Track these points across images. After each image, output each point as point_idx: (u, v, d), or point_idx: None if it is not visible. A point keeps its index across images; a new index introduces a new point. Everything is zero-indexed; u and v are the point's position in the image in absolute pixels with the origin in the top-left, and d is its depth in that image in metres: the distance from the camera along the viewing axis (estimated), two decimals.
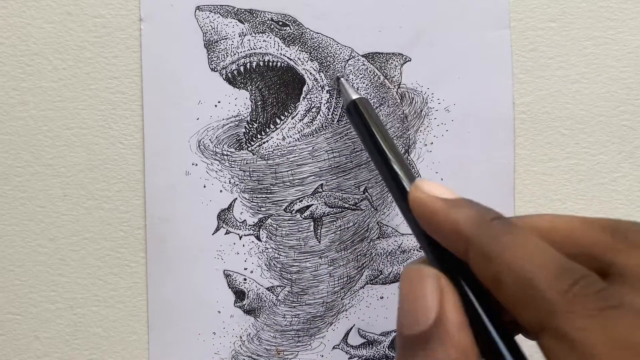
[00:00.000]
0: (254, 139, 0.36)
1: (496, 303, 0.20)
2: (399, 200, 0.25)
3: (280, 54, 0.36)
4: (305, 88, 0.36)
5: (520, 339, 0.20)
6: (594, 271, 0.18)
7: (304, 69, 0.36)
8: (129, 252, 0.36)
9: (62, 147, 0.36)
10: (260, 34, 0.36)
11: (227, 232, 0.36)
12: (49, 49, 0.35)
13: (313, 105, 0.36)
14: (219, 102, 0.36)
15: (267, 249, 0.36)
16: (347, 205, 0.36)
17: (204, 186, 0.36)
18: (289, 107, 0.36)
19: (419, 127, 0.37)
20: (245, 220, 0.36)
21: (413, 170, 0.36)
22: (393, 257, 0.36)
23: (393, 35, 0.36)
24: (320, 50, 0.36)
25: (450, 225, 0.20)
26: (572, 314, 0.16)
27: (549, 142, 0.37)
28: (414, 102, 0.36)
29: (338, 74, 0.36)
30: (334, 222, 0.36)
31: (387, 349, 0.36)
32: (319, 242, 0.36)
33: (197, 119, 0.36)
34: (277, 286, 0.36)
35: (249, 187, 0.36)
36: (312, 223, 0.36)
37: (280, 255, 0.36)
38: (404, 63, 0.36)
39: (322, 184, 0.36)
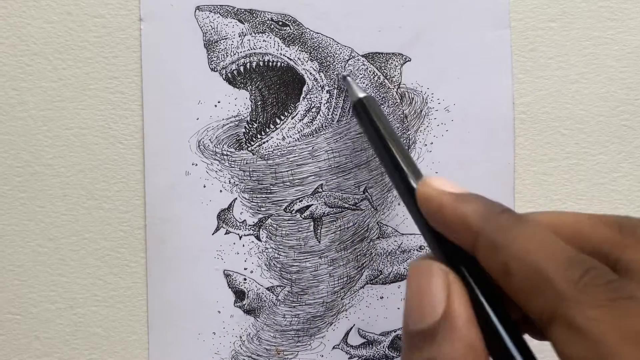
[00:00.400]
0: (254, 139, 0.36)
1: (504, 300, 0.20)
2: (405, 197, 0.25)
3: (280, 54, 0.36)
4: (305, 88, 0.36)
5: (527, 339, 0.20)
6: (604, 266, 0.18)
7: (304, 69, 0.36)
8: (128, 252, 0.36)
9: (61, 147, 0.36)
10: (260, 34, 0.36)
11: (227, 232, 0.36)
12: (49, 49, 0.35)
13: (313, 105, 0.36)
14: (218, 102, 0.36)
15: (267, 249, 0.36)
16: (347, 205, 0.36)
17: (204, 186, 0.36)
18: (288, 107, 0.36)
19: (419, 127, 0.37)
20: (245, 220, 0.36)
21: None
22: (393, 257, 0.37)
23: (393, 35, 0.36)
24: (320, 50, 0.36)
25: (459, 218, 0.20)
26: (582, 303, 0.16)
27: (549, 142, 0.37)
28: (413, 102, 0.36)
29: (344, 73, 0.36)
30: (334, 222, 0.36)
31: (387, 349, 0.36)
32: (319, 242, 0.36)
33: (197, 119, 0.36)
34: (277, 286, 0.36)
35: (249, 187, 0.36)
36: (312, 223, 0.36)
37: (280, 255, 0.36)
38: (404, 63, 0.36)
39: (322, 184, 0.36)
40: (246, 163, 0.36)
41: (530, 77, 0.37)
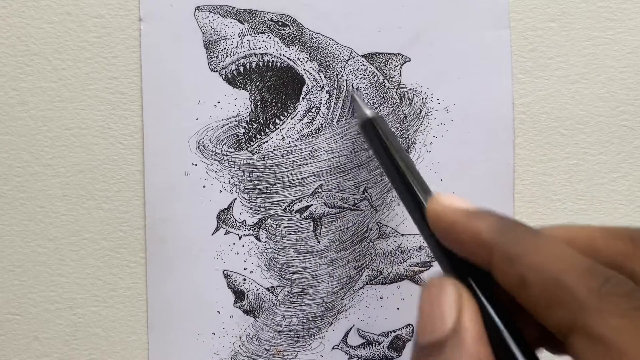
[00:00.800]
0: (254, 139, 0.36)
1: (517, 316, 0.19)
2: (415, 215, 0.25)
3: (280, 54, 0.36)
4: (304, 88, 0.36)
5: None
6: (622, 277, 0.18)
7: (303, 69, 0.36)
8: (128, 252, 0.36)
9: (61, 147, 0.36)
10: (260, 34, 0.36)
11: (227, 232, 0.36)
12: (49, 49, 0.35)
13: (312, 105, 0.36)
14: (218, 102, 0.36)
15: (266, 249, 0.36)
16: (346, 206, 0.36)
17: (204, 186, 0.36)
18: (288, 107, 0.36)
19: (419, 127, 0.37)
20: (244, 220, 0.36)
21: None
22: (392, 258, 0.36)
23: (392, 36, 0.36)
24: (320, 50, 0.36)
25: (472, 234, 0.20)
26: (604, 312, 0.16)
27: (549, 142, 0.37)
28: (413, 102, 0.36)
29: (352, 91, 0.36)
30: (334, 223, 0.36)
31: (386, 349, 0.36)
32: (319, 242, 0.36)
33: (197, 119, 0.36)
34: (277, 286, 0.36)
35: (249, 187, 0.36)
36: (311, 223, 0.36)
37: (279, 255, 0.36)
38: (404, 63, 0.36)
39: (321, 184, 0.36)
40: (246, 163, 0.36)
41: (530, 78, 0.37)
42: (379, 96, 0.36)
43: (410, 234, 0.36)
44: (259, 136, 0.36)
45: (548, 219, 0.37)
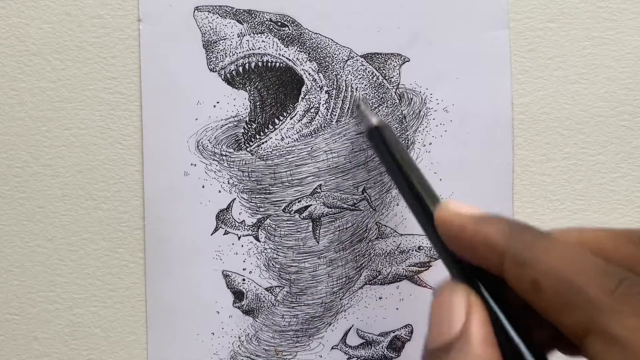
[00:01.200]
0: (253, 140, 0.36)
1: (527, 320, 0.19)
2: (424, 223, 0.25)
3: (279, 54, 0.36)
4: (304, 88, 0.36)
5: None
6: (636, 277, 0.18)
7: (302, 69, 0.36)
8: (127, 252, 0.36)
9: (60, 147, 0.36)
10: (259, 35, 0.36)
11: (226, 233, 0.36)
12: (48, 49, 0.35)
13: (312, 105, 0.36)
14: (217, 102, 0.36)
15: (265, 249, 0.36)
16: (345, 206, 0.36)
17: (203, 186, 0.36)
18: (287, 107, 0.36)
19: (418, 127, 0.37)
20: (244, 220, 0.36)
21: None
22: (392, 258, 0.37)
23: (392, 36, 0.36)
24: (319, 50, 0.36)
25: (482, 239, 0.20)
26: (620, 312, 0.16)
27: (548, 142, 0.37)
28: (412, 102, 0.36)
29: (358, 100, 0.36)
30: (333, 223, 0.36)
31: (385, 350, 0.36)
32: (318, 242, 0.36)
33: (196, 119, 0.36)
34: (276, 286, 0.36)
35: (248, 187, 0.36)
36: (310, 223, 0.36)
37: (279, 255, 0.36)
38: (403, 63, 0.36)
39: (320, 185, 0.36)
40: (245, 163, 0.36)
41: (529, 78, 0.37)
42: (378, 96, 0.36)
43: (409, 234, 0.36)
44: (258, 136, 0.36)
45: (547, 219, 0.37)
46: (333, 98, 0.36)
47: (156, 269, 0.36)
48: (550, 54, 0.37)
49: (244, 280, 0.36)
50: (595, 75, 0.37)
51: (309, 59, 0.36)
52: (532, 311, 0.19)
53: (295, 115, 0.36)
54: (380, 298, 0.36)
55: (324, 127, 0.36)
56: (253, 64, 0.36)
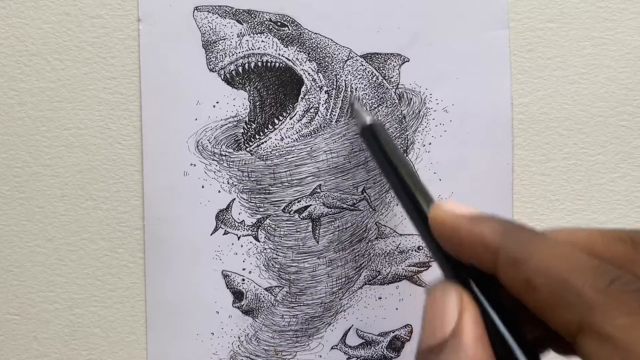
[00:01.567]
0: (252, 140, 0.36)
1: (521, 320, 0.20)
2: (417, 222, 0.26)
3: (279, 54, 0.36)
4: (303, 88, 0.36)
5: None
6: (630, 275, 0.18)
7: (302, 69, 0.36)
8: (127, 252, 0.36)
9: (60, 147, 0.36)
10: (259, 35, 0.36)
11: (226, 233, 0.36)
12: (47, 50, 0.35)
13: (311, 105, 0.36)
14: (217, 102, 0.36)
15: (265, 249, 0.36)
16: (345, 206, 0.36)
17: (202, 187, 0.36)
18: (287, 107, 0.36)
19: (417, 127, 0.37)
20: (243, 220, 0.36)
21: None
22: (391, 258, 0.37)
23: (391, 36, 0.36)
24: (319, 50, 0.36)
25: (476, 239, 0.20)
26: (612, 311, 0.16)
27: (547, 142, 0.37)
28: (412, 102, 0.36)
29: (351, 98, 0.36)
30: (332, 223, 0.36)
31: (385, 350, 0.36)
32: (317, 242, 0.36)
33: (196, 119, 0.36)
34: (276, 286, 0.36)
35: (248, 187, 0.36)
36: (310, 223, 0.36)
37: (278, 255, 0.36)
38: (403, 63, 0.36)
39: (320, 185, 0.36)
40: (244, 163, 0.36)
41: (528, 78, 0.37)
42: (378, 96, 0.36)
43: (408, 234, 0.36)
44: (257, 136, 0.36)
45: (547, 219, 0.37)
46: (333, 98, 0.36)
47: (156, 269, 0.36)
48: (550, 54, 0.37)
49: (243, 280, 0.36)
50: (595, 75, 0.37)
51: (309, 59, 0.36)
52: (525, 311, 0.19)
53: (294, 115, 0.36)
54: (379, 298, 0.36)
55: (324, 127, 0.36)
56: (253, 64, 0.36)
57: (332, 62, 0.36)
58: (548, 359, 0.21)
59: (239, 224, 0.36)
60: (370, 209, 0.36)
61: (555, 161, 0.37)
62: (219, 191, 0.36)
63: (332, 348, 0.36)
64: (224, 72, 0.36)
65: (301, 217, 0.36)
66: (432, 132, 0.37)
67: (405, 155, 0.36)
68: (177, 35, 0.35)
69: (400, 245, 0.36)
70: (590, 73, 0.37)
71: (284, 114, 0.36)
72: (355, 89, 0.36)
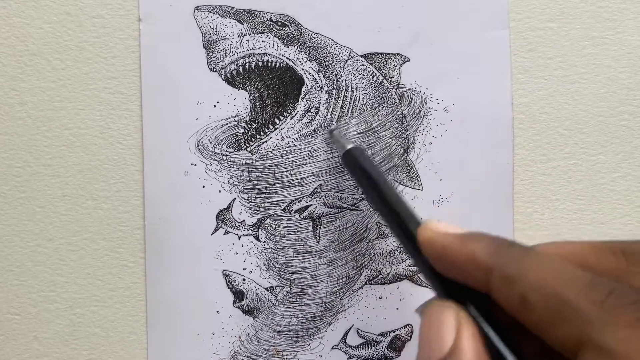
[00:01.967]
0: (253, 139, 0.36)
1: (519, 335, 0.19)
2: (406, 244, 0.25)
3: (279, 54, 0.36)
4: (304, 88, 0.36)
5: None
6: (626, 287, 0.17)
7: (303, 69, 0.36)
8: (127, 252, 0.36)
9: (61, 147, 0.36)
10: (259, 34, 0.36)
11: (226, 232, 0.36)
12: (48, 49, 0.35)
13: (312, 105, 0.36)
14: (217, 102, 0.36)
15: (266, 249, 0.36)
16: (345, 206, 0.36)
17: (203, 186, 0.36)
18: (287, 107, 0.36)
19: (418, 127, 0.37)
20: (244, 220, 0.36)
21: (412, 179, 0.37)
22: (392, 257, 0.37)
23: (392, 36, 0.36)
24: (319, 50, 0.36)
25: (466, 257, 0.20)
26: (611, 324, 0.16)
27: (548, 142, 0.37)
28: (412, 102, 0.36)
29: (331, 128, 0.36)
30: (333, 222, 0.36)
31: (385, 349, 0.36)
32: (318, 242, 0.36)
33: (196, 119, 0.36)
34: (276, 286, 0.36)
35: (248, 187, 0.36)
36: (311, 223, 0.36)
37: (279, 255, 0.36)
38: (403, 63, 0.36)
39: (320, 184, 0.36)
40: (245, 163, 0.36)
41: (529, 78, 0.37)
42: (378, 96, 0.36)
43: None
44: (258, 136, 0.36)
45: (547, 219, 0.37)
46: (333, 98, 0.36)
47: (156, 269, 0.36)
48: (551, 53, 0.37)
49: (244, 280, 0.36)
50: (596, 75, 0.37)
51: (309, 59, 0.36)
52: (521, 327, 0.19)
53: (295, 115, 0.36)
54: (380, 298, 0.36)
55: (324, 126, 0.36)
56: (253, 64, 0.36)
57: (333, 62, 0.36)
58: None
59: (240, 224, 0.36)
60: (371, 209, 0.36)
61: (556, 161, 0.37)
62: (220, 191, 0.36)
63: (332, 348, 0.36)
64: (225, 71, 0.36)
65: (302, 216, 0.36)
66: (432, 132, 0.37)
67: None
68: (178, 35, 0.35)
69: (401, 245, 0.36)
70: (591, 73, 0.37)
71: (285, 114, 0.36)
72: (356, 89, 0.36)
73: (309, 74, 0.36)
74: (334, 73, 0.36)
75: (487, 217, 0.36)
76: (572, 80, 0.37)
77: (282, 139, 0.36)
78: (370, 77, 0.36)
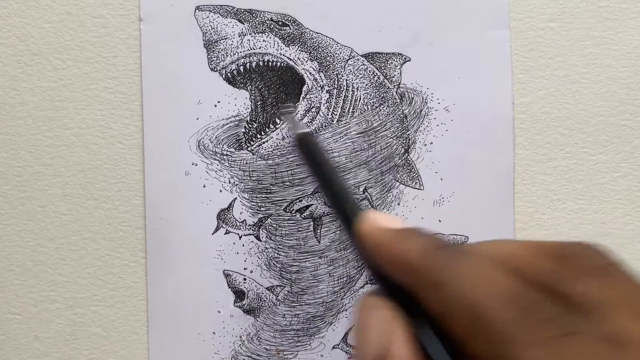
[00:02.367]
0: (254, 139, 0.36)
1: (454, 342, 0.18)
2: (348, 234, 0.25)
3: (280, 53, 0.36)
4: (304, 88, 0.36)
5: None
6: (547, 300, 0.17)
7: (303, 68, 0.36)
8: (128, 251, 0.36)
9: (61, 147, 0.36)
10: (260, 34, 0.36)
11: (227, 232, 0.36)
12: (49, 49, 0.35)
13: (313, 105, 0.36)
14: (218, 102, 0.36)
15: (266, 248, 0.36)
16: None
17: (204, 186, 0.36)
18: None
19: (419, 126, 0.37)
20: (245, 220, 0.36)
21: (411, 174, 0.36)
22: None
23: (393, 35, 0.36)
24: (320, 50, 0.36)
25: (397, 256, 0.19)
26: (526, 343, 0.15)
27: (549, 142, 0.37)
28: (413, 102, 0.36)
29: (281, 110, 0.35)
30: (334, 222, 0.36)
31: None
32: (319, 241, 0.36)
33: (197, 118, 0.36)
34: (277, 286, 0.36)
35: (249, 187, 0.36)
36: (311, 223, 0.36)
37: (280, 255, 0.36)
38: (404, 63, 0.36)
39: None
40: (246, 163, 0.36)
41: (530, 77, 0.37)
42: (379, 96, 0.36)
43: None
44: (259, 136, 0.36)
45: (548, 218, 0.37)
46: (334, 97, 0.36)
47: (157, 269, 0.36)
48: (551, 53, 0.37)
49: (245, 279, 0.36)
50: (596, 74, 0.37)
51: (310, 59, 0.36)
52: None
53: (296, 114, 0.36)
54: None
55: (325, 126, 0.36)
56: (254, 64, 0.36)
57: (334, 62, 0.36)
58: None
59: (241, 224, 0.36)
60: (372, 208, 0.36)
61: (557, 160, 0.37)
62: (221, 191, 0.36)
63: (333, 347, 0.36)
64: (226, 71, 0.36)
65: (302, 216, 0.36)
66: (433, 132, 0.37)
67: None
68: (179, 34, 0.35)
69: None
70: (592, 72, 0.37)
71: None
72: (357, 89, 0.36)
73: (310, 73, 0.36)
74: (334, 73, 0.36)
75: (488, 216, 0.37)
76: (573, 80, 0.37)
77: (283, 138, 0.36)
78: (371, 77, 0.36)
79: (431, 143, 0.37)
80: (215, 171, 0.36)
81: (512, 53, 0.37)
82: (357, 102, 0.36)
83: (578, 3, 0.37)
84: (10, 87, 0.35)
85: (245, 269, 0.36)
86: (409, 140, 0.37)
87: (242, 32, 0.36)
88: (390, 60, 0.36)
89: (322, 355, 0.36)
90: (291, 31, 0.36)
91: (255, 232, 0.36)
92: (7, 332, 0.36)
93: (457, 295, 0.17)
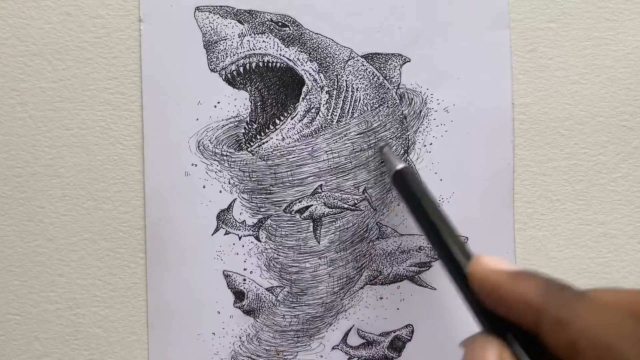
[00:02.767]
0: (254, 140, 0.36)
1: None
2: (454, 275, 0.25)
3: (280, 54, 0.36)
4: (304, 89, 0.36)
5: None
6: None
7: (303, 69, 0.36)
8: (128, 252, 0.36)
9: (61, 147, 0.36)
10: (260, 35, 0.36)
11: (227, 233, 0.36)
12: (49, 50, 0.35)
13: (312, 105, 0.36)
14: (218, 102, 0.36)
15: (266, 249, 0.36)
16: (346, 206, 0.36)
17: (204, 187, 0.36)
18: (288, 107, 0.36)
19: (418, 127, 0.37)
20: (244, 220, 0.36)
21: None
22: (392, 258, 0.37)
23: (392, 36, 0.36)
24: (320, 50, 0.36)
25: (518, 297, 0.20)
26: None
27: (548, 142, 0.37)
28: (413, 102, 0.37)
29: (382, 144, 0.35)
30: (334, 223, 0.36)
31: (386, 350, 0.36)
32: (319, 242, 0.36)
33: (197, 119, 0.36)
34: (277, 287, 0.36)
35: (249, 187, 0.36)
36: (311, 223, 0.36)
37: (279, 255, 0.36)
38: (404, 63, 0.36)
39: (321, 185, 0.36)
40: (246, 164, 0.36)
41: (529, 78, 0.37)
42: (379, 96, 0.36)
43: (409, 234, 0.36)
44: (258, 136, 0.36)
45: (547, 219, 0.37)
46: (334, 98, 0.36)
47: (157, 269, 0.36)
48: (551, 54, 0.37)
49: (244, 280, 0.36)
50: (596, 75, 0.37)
51: (310, 59, 0.36)
52: None
53: (296, 115, 0.36)
54: (381, 298, 0.36)
55: (325, 127, 0.36)
56: (254, 64, 0.36)
57: (333, 63, 0.36)
58: None
59: (240, 224, 0.36)
60: (372, 209, 0.36)
61: (556, 161, 0.37)
62: (220, 191, 0.36)
63: (333, 348, 0.36)
64: (225, 72, 0.36)
65: (302, 217, 0.36)
66: (433, 132, 0.37)
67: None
68: (178, 35, 0.35)
69: (402, 245, 0.37)
70: (591, 73, 0.37)
71: (285, 114, 0.36)
72: (357, 89, 0.36)
73: (310, 74, 0.36)
74: (334, 73, 0.36)
75: (488, 217, 0.37)
76: (573, 81, 0.37)
77: (283, 139, 0.36)
78: (371, 78, 0.36)
79: (431, 144, 0.37)
80: (215, 172, 0.36)
81: (512, 53, 0.37)
82: (357, 103, 0.36)
83: (578, 4, 0.37)
84: (10, 87, 0.35)
85: (244, 269, 0.36)
86: (408, 140, 0.37)
87: (241, 33, 0.36)
88: (390, 61, 0.36)
89: (322, 356, 0.36)
90: (291, 32, 0.36)
91: (255, 233, 0.36)
92: (7, 332, 0.36)
93: (586, 333, 0.18)
